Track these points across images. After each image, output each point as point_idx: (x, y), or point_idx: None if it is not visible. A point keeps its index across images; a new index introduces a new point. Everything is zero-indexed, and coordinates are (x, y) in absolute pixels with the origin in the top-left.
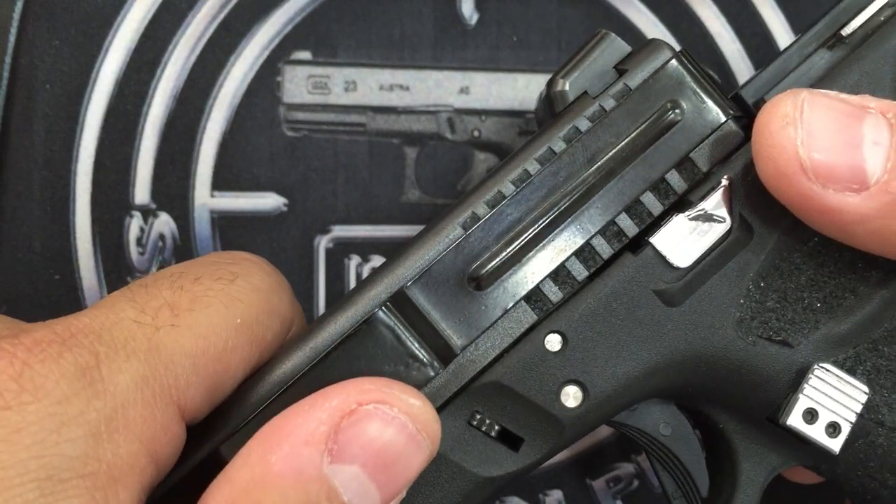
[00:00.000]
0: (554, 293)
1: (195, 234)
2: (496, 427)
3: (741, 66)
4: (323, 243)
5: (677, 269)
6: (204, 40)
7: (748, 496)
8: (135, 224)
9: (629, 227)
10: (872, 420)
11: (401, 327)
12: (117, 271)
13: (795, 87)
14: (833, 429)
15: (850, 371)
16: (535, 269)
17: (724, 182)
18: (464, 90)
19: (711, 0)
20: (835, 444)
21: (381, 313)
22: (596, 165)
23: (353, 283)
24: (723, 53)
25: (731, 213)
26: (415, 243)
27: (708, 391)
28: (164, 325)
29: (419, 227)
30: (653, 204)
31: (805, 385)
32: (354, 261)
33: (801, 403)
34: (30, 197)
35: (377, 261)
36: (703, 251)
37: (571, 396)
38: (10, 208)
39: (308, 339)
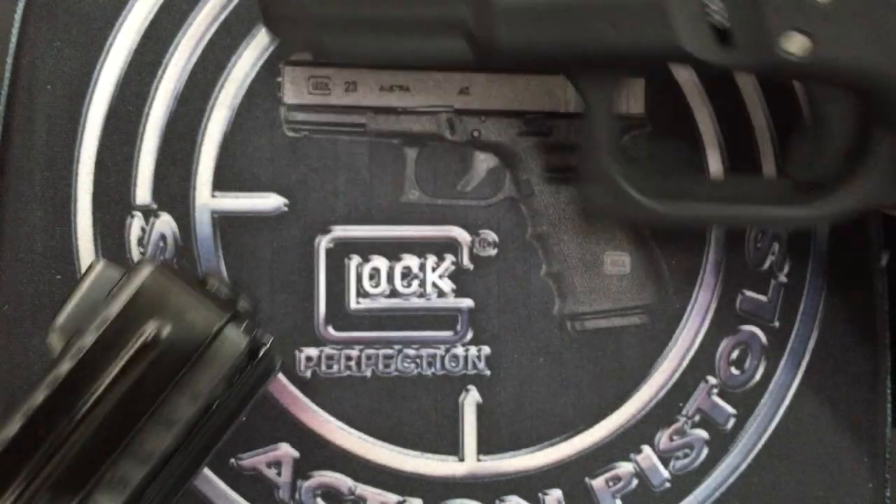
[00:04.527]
0: None
1: (196, 235)
2: (722, 21)
3: None
4: (323, 243)
5: None
6: (205, 41)
7: None
8: (136, 224)
9: (132, 473)
10: None
11: None
12: None
13: None
14: None
15: None
16: None
17: None
18: (464, 91)
19: None
20: None
21: None
22: (81, 413)
23: (353, 283)
24: None
25: None
26: None
27: None
28: None
29: (419, 227)
30: (160, 438)
31: None
32: (355, 261)
33: None
34: (31, 197)
35: (377, 261)
36: None
37: (800, 45)
38: (12, 208)
39: None
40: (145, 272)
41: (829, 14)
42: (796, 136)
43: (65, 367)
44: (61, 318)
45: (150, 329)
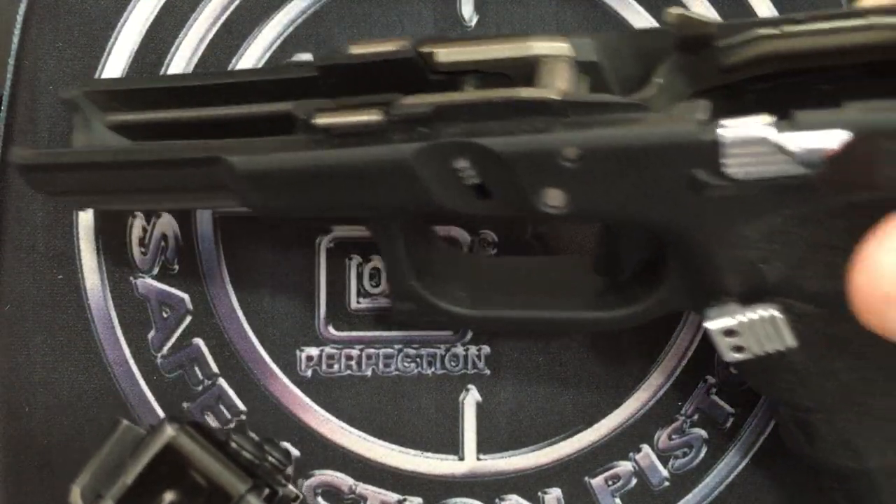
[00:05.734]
0: None
1: (198, 234)
2: (475, 180)
3: None
4: (324, 243)
5: (727, 176)
6: (206, 42)
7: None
8: (137, 224)
9: None
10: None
11: None
12: (120, 271)
13: None
14: (738, 350)
15: (794, 325)
16: None
17: (835, 146)
18: None
19: (709, 2)
20: (729, 357)
21: None
22: None
23: (353, 283)
24: None
25: (814, 164)
26: None
27: (679, 254)
28: None
29: None
30: None
31: (748, 312)
32: (355, 261)
33: (731, 322)
34: (33, 197)
35: (378, 260)
36: (762, 177)
37: (556, 198)
38: (14, 208)
39: None
40: (165, 436)
41: (576, 174)
42: (600, 243)
43: None
44: (84, 478)
45: (167, 498)
